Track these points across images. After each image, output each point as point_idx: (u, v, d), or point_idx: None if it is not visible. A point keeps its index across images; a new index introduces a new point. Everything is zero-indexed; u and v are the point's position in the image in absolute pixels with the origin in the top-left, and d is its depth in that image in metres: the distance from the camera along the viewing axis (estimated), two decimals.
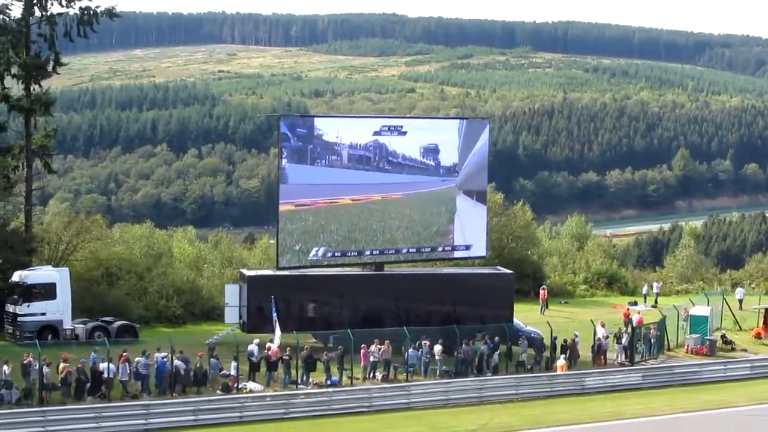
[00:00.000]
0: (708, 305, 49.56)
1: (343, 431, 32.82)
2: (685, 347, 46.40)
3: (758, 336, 49.57)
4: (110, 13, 47.81)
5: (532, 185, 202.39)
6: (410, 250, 44.41)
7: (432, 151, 44.45)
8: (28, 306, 40.69)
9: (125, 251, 51.22)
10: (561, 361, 40.00)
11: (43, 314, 40.74)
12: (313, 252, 41.84)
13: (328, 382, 36.98)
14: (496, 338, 40.56)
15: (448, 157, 44.81)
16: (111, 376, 34.06)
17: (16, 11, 46.15)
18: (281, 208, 41.06)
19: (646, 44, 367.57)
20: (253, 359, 37.17)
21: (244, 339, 38.91)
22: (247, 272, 43.12)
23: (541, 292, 54.84)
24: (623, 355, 43.19)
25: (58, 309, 40.96)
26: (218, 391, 35.31)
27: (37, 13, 46.34)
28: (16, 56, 45.76)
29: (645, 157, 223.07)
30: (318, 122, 43.49)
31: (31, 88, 46.00)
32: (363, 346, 38.29)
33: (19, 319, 40.66)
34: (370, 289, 43.11)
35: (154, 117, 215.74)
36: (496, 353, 40.33)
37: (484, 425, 33.40)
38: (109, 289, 46.20)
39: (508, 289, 45.74)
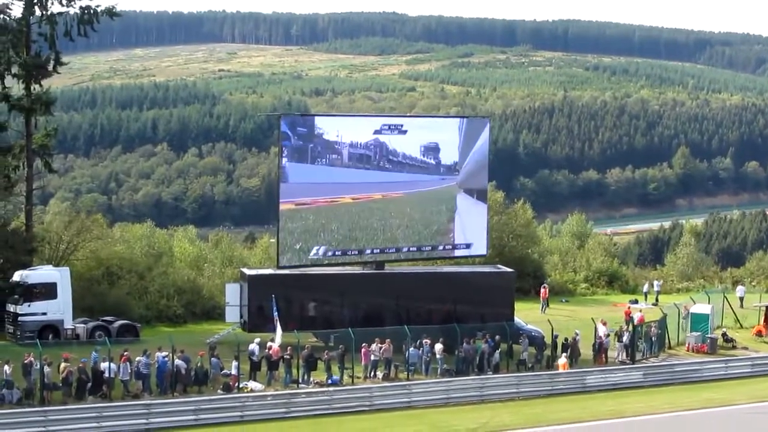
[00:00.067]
0: (709, 303, 49.57)
1: (344, 430, 32.83)
2: (686, 345, 46.40)
3: (759, 334, 49.57)
4: (110, 13, 47.82)
5: (532, 184, 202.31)
6: (411, 248, 44.42)
7: (432, 149, 44.44)
8: (29, 306, 40.70)
9: (126, 251, 51.22)
10: (563, 360, 40.03)
11: (44, 314, 40.75)
12: (314, 251, 41.84)
13: (329, 381, 36.99)
14: (497, 337, 40.56)
15: (449, 155, 44.81)
16: (112, 375, 34.08)
17: (17, 11, 46.26)
18: (282, 207, 41.06)
19: (647, 42, 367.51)
20: (254, 358, 37.18)
21: (245, 338, 38.89)
22: (247, 271, 43.11)
23: (542, 290, 54.86)
24: (624, 354, 43.18)
25: (59, 309, 40.97)
26: (219, 391, 35.33)
27: (38, 12, 46.36)
28: (16, 56, 45.78)
29: (645, 156, 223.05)
30: (318, 121, 43.49)
31: (32, 88, 46.01)
32: (364, 345, 38.30)
33: (19, 318, 40.67)
34: (370, 287, 43.09)
35: (154, 116, 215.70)
36: (497, 352, 40.33)
37: (485, 424, 33.41)
38: (110, 289, 46.21)
39: (508, 287, 45.73)
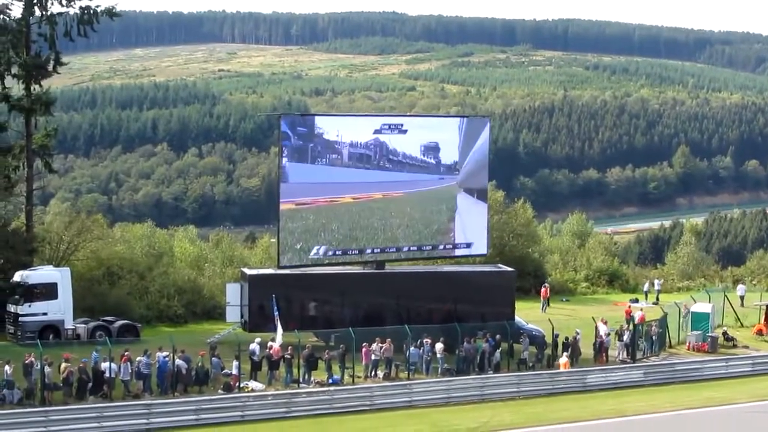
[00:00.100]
0: (709, 302, 49.57)
1: (344, 430, 32.83)
2: (687, 344, 46.39)
3: (760, 333, 49.55)
4: (110, 13, 47.84)
5: (532, 183, 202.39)
6: (411, 248, 44.41)
7: (432, 149, 44.44)
8: (30, 306, 40.73)
9: (126, 251, 51.24)
10: (564, 359, 40.02)
11: (45, 314, 40.77)
12: (314, 251, 41.84)
13: (330, 381, 36.99)
14: (498, 336, 40.57)
15: (449, 155, 44.80)
16: (113, 375, 34.08)
17: (17, 11, 46.29)
18: (282, 206, 41.06)
19: (647, 41, 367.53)
20: (255, 358, 37.19)
21: (246, 338, 38.90)
22: (248, 271, 43.11)
23: (543, 289, 54.86)
24: (625, 353, 43.20)
25: (60, 309, 40.98)
26: (220, 391, 35.34)
27: (38, 12, 46.40)
28: (16, 56, 45.81)
29: (645, 155, 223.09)
30: (318, 121, 43.47)
31: (32, 88, 46.04)
32: (364, 344, 38.30)
33: (20, 319, 40.69)
34: (371, 287, 43.09)
35: (154, 116, 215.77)
36: (498, 351, 40.33)
37: (486, 423, 33.40)
38: (111, 289, 46.22)
39: (509, 286, 45.73)
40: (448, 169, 44.84)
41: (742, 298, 56.70)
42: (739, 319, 52.03)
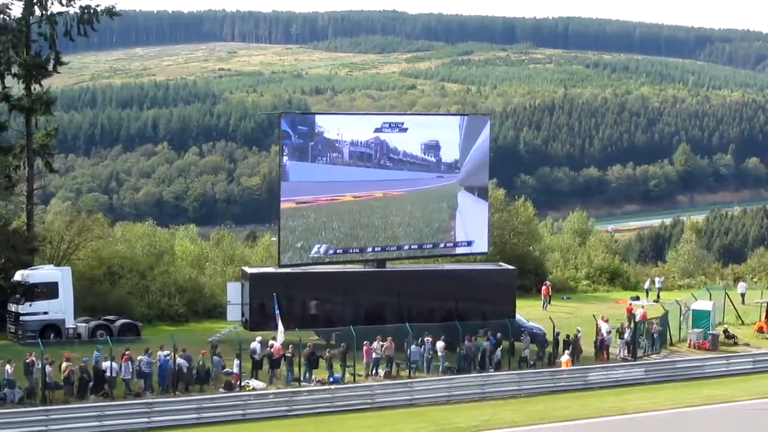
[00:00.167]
0: (710, 300, 49.57)
1: (346, 428, 32.83)
2: (688, 342, 46.39)
3: (760, 330, 49.53)
4: (110, 12, 47.83)
5: (533, 181, 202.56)
6: (412, 246, 44.38)
7: (433, 147, 44.41)
8: (31, 305, 40.72)
9: (127, 250, 51.26)
10: (565, 357, 40.05)
11: (46, 313, 40.78)
12: (315, 249, 41.82)
13: (331, 379, 37.00)
14: (499, 334, 40.55)
15: (449, 153, 44.78)
16: (114, 374, 34.09)
17: (17, 10, 46.29)
18: (283, 205, 41.05)
19: (647, 39, 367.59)
20: (256, 357, 37.18)
21: (247, 337, 38.91)
22: (249, 270, 43.09)
23: (544, 287, 54.86)
24: (626, 350, 43.20)
25: (61, 308, 40.98)
26: (221, 389, 35.35)
27: (38, 12, 46.39)
28: (16, 55, 45.81)
29: (646, 152, 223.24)
30: (319, 119, 43.45)
31: (32, 88, 46.03)
32: (365, 342, 38.30)
33: (21, 318, 40.69)
34: (372, 285, 43.04)
35: (154, 115, 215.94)
36: (499, 349, 40.31)
37: (487, 421, 33.41)
38: (112, 288, 46.23)
39: (510, 284, 45.71)
40: (448, 168, 44.82)
41: (742, 295, 56.67)
42: (739, 316, 52.03)
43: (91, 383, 33.79)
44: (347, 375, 37.51)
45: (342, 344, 38.03)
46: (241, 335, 38.82)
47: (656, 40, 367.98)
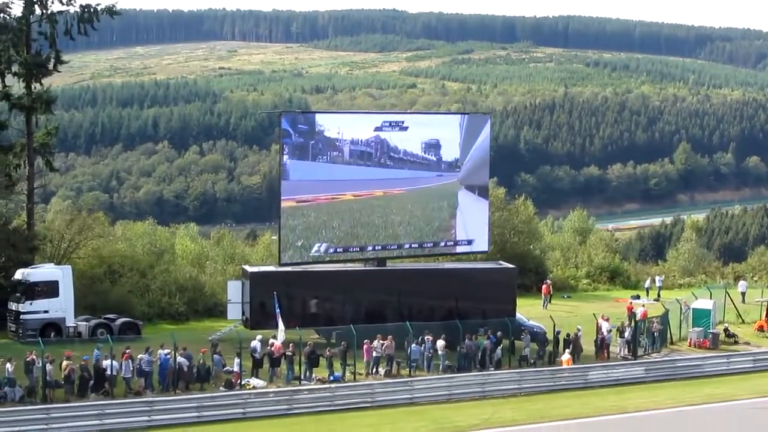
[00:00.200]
0: (711, 299, 49.56)
1: (346, 427, 32.83)
2: (688, 341, 46.38)
3: (761, 329, 49.52)
4: (111, 11, 47.85)
5: (533, 180, 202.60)
6: (412, 245, 44.37)
7: (433, 146, 44.40)
8: (31, 304, 40.73)
9: (128, 249, 51.29)
10: (566, 356, 40.04)
11: (46, 312, 40.79)
12: (315, 248, 41.82)
13: (331, 378, 37.00)
14: (499, 333, 40.52)
15: (450, 152, 44.76)
16: (114, 373, 34.09)
17: (17, 10, 46.31)
18: (283, 204, 41.04)
19: (647, 38, 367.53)
20: (256, 355, 37.18)
21: (247, 335, 38.92)
22: (249, 268, 43.11)
23: (544, 286, 54.87)
24: (626, 349, 43.19)
25: (61, 306, 41.00)
26: (221, 388, 35.36)
27: (38, 11, 46.43)
28: (17, 54, 45.86)
29: (646, 151, 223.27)
30: (319, 118, 43.43)
31: (32, 86, 46.06)
32: (366, 341, 38.30)
33: (21, 316, 40.71)
34: (372, 284, 43.03)
35: (155, 114, 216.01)
36: (499, 348, 40.29)
37: (487, 420, 33.42)
38: (112, 287, 46.24)
39: (510, 283, 45.70)
40: (449, 166, 44.81)
41: (743, 294, 56.66)
42: (740, 315, 52.02)
43: (92, 382, 33.80)
44: (348, 374, 37.51)
45: (342, 343, 38.04)
46: (242, 334, 38.84)
47: (656, 39, 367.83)
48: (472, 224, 45.62)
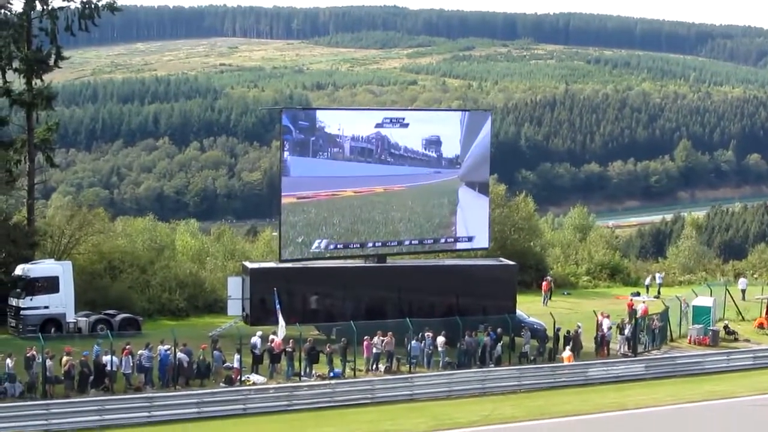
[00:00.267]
0: (711, 296, 49.56)
1: (346, 423, 32.83)
2: (688, 338, 46.39)
3: (761, 326, 49.50)
4: (111, 7, 47.88)
5: (534, 177, 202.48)
6: (413, 241, 44.38)
7: (434, 143, 44.40)
8: (31, 299, 40.75)
9: (128, 244, 51.25)
10: (567, 353, 40.02)
11: (46, 307, 40.81)
12: (316, 244, 41.83)
13: (331, 374, 37.00)
14: (499, 330, 40.52)
15: (451, 148, 44.76)
16: (114, 368, 34.10)
17: (18, 6, 46.37)
18: (283, 200, 41.06)
19: (648, 35, 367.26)
20: (256, 351, 37.20)
21: (247, 331, 38.94)
22: (249, 265, 43.14)
23: (544, 283, 54.89)
24: (626, 346, 43.18)
25: (61, 302, 41.01)
26: (221, 384, 35.37)
27: (39, 7, 46.39)
28: (17, 50, 45.84)
29: (647, 148, 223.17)
30: (320, 115, 43.41)
31: (33, 82, 46.07)
32: (366, 337, 38.30)
33: (22, 312, 40.72)
34: (372, 281, 43.05)
35: (155, 110, 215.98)
36: (499, 344, 40.28)
37: (487, 416, 33.43)
38: (112, 282, 46.25)
39: (510, 280, 45.73)
40: (449, 163, 44.81)
41: (743, 291, 56.71)
42: (740, 312, 52.02)
43: (92, 377, 33.80)
44: (348, 370, 37.53)
45: (342, 339, 38.05)
46: (242, 330, 38.83)
47: (657, 36, 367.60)
48: (473, 221, 45.63)
